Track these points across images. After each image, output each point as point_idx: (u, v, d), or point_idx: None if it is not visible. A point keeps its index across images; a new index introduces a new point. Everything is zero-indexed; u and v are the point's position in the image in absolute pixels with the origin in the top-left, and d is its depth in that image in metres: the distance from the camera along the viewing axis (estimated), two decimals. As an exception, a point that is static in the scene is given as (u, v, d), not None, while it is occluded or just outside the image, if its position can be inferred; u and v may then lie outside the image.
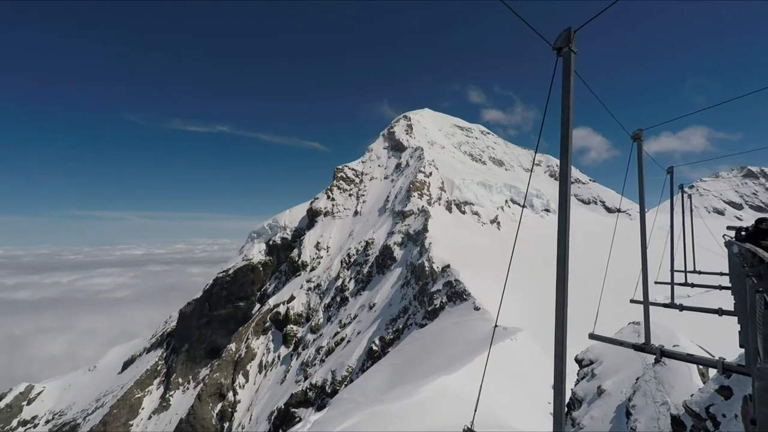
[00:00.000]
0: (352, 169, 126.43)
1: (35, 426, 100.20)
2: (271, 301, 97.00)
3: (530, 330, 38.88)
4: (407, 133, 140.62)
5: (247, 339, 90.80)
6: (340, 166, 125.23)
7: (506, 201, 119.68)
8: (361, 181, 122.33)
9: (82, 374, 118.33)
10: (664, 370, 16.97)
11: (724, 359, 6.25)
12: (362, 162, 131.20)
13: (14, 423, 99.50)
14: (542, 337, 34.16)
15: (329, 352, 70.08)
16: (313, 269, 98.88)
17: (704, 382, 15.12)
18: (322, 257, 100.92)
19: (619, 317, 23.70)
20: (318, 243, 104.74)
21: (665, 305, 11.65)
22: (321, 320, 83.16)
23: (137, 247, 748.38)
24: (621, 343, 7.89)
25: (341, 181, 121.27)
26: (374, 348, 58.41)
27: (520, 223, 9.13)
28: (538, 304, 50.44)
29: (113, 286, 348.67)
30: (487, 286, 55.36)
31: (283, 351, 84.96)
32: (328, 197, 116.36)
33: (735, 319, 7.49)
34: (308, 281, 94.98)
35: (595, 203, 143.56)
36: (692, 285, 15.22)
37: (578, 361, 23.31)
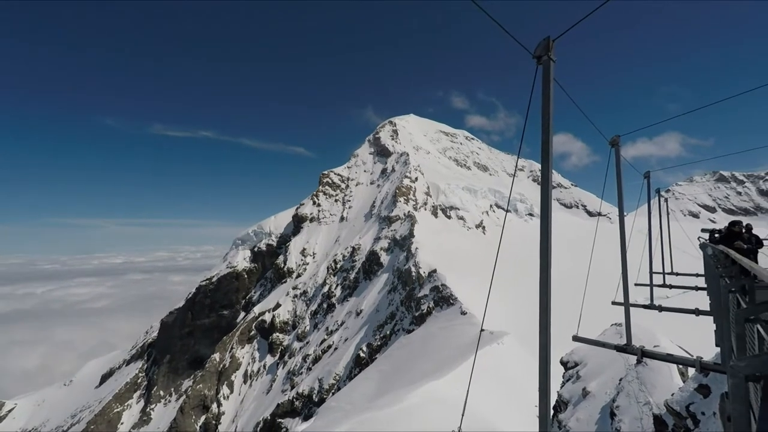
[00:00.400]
0: (338, 175, 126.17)
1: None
2: (257, 309, 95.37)
3: (516, 333, 39.27)
4: (393, 139, 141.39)
5: (232, 348, 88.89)
6: (325, 172, 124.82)
7: (491, 206, 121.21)
8: (347, 186, 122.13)
9: (57, 389, 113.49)
10: (645, 371, 17.34)
11: (702, 358, 6.43)
12: (348, 167, 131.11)
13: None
14: (528, 340, 34.52)
15: (316, 359, 69.19)
16: (299, 276, 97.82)
17: (684, 382, 15.50)
18: (308, 264, 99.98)
19: (602, 319, 24.13)
20: (304, 249, 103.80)
21: (645, 306, 11.94)
22: (307, 327, 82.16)
23: (116, 255, 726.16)
24: (604, 345, 8.04)
25: (327, 187, 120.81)
26: (362, 355, 57.96)
27: (504, 228, 9.24)
28: (524, 307, 51.03)
29: (91, 296, 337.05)
30: (473, 291, 55.75)
31: (269, 360, 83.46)
32: (314, 203, 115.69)
33: (711, 318, 7.73)
34: (294, 288, 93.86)
35: (577, 207, 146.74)
36: (670, 286, 15.65)
37: (563, 363, 23.60)
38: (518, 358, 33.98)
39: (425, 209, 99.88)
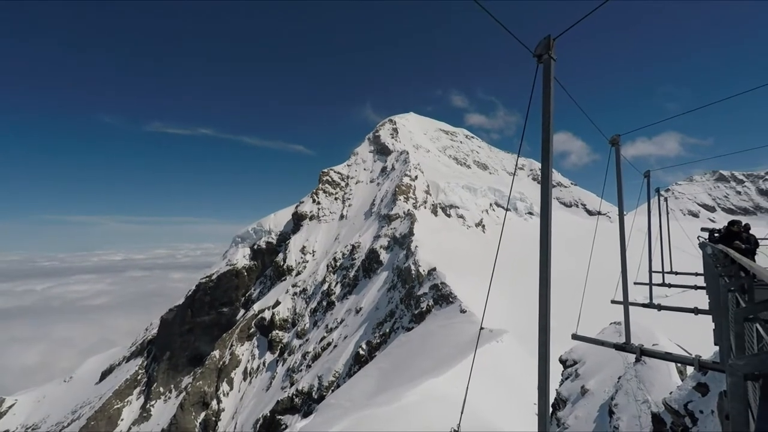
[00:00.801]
0: (338, 173, 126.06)
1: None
2: (256, 307, 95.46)
3: (515, 331, 39.34)
4: (393, 137, 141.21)
5: (232, 345, 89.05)
6: (325, 170, 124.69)
7: (491, 204, 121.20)
8: (347, 184, 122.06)
9: (57, 385, 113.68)
10: (644, 369, 17.39)
11: (700, 357, 6.44)
12: (348, 165, 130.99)
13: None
14: (527, 339, 34.56)
15: (316, 357, 69.34)
16: (298, 274, 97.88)
17: (683, 380, 15.55)
18: (307, 261, 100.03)
19: (601, 318, 24.20)
20: (304, 247, 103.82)
21: (644, 305, 11.96)
22: (307, 325, 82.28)
23: (115, 252, 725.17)
24: (603, 343, 8.06)
25: (327, 185, 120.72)
26: (361, 352, 58.07)
27: (503, 226, 9.26)
28: (523, 306, 51.14)
29: (91, 293, 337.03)
30: (473, 289, 55.82)
31: (269, 357, 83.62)
32: (314, 201, 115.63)
33: (710, 317, 7.74)
34: (294, 286, 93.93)
35: (577, 206, 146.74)
36: (669, 285, 15.66)
37: (562, 361, 23.67)
38: (517, 355, 34.07)
39: (425, 207, 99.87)
